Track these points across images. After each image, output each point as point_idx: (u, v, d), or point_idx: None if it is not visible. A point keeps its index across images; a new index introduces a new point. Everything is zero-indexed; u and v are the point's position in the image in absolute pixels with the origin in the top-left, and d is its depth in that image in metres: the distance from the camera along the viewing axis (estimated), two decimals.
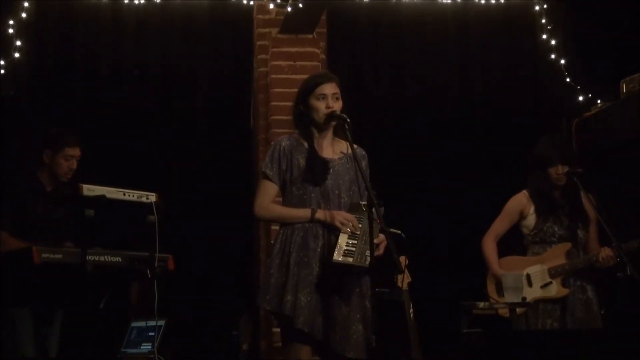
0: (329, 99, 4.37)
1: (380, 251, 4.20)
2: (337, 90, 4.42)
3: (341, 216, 4.26)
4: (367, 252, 4.15)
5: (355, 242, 4.21)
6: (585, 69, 7.01)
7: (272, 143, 4.60)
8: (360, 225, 4.24)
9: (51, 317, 5.25)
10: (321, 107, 4.37)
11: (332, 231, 4.28)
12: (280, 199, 4.49)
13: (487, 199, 6.10)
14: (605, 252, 5.26)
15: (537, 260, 5.43)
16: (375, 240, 4.11)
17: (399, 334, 5.42)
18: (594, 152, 6.43)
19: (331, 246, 4.23)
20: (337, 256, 4.18)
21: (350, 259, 4.18)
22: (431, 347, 5.70)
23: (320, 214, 4.29)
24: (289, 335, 4.31)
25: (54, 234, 5.12)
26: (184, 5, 6.75)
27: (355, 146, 4.34)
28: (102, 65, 6.74)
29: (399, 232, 4.20)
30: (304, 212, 4.32)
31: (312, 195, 4.35)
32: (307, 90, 4.43)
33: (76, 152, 5.33)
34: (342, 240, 4.21)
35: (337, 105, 4.39)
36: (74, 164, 5.32)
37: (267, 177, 4.41)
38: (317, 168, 4.36)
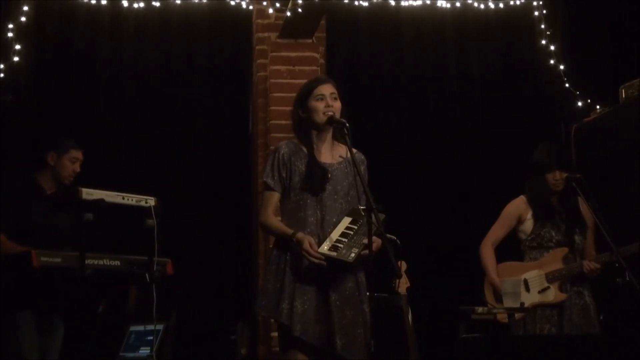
0: (328, 98, 4.38)
1: (372, 250, 4.15)
2: (334, 90, 4.43)
3: (306, 246, 4.22)
4: (355, 249, 4.17)
5: (345, 240, 4.22)
6: (585, 75, 7.02)
7: (272, 149, 4.60)
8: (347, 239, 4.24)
9: (51, 321, 5.25)
10: (320, 107, 4.38)
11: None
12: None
13: (486, 204, 6.10)
14: (590, 266, 5.29)
15: (534, 265, 5.43)
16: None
17: (398, 339, 5.41)
18: (592, 158, 6.43)
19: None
20: (323, 247, 4.20)
21: (335, 253, 4.19)
22: (430, 352, 5.70)
23: (298, 236, 4.26)
24: (287, 341, 4.31)
25: (52, 238, 5.12)
26: (183, 8, 6.75)
27: (354, 150, 4.35)
28: (101, 69, 6.74)
29: (394, 238, 4.21)
30: (286, 233, 4.31)
31: (309, 201, 4.35)
32: (305, 93, 4.44)
33: (80, 155, 5.36)
34: (335, 234, 4.24)
35: (337, 105, 4.40)
36: (77, 167, 5.35)
37: (268, 187, 4.42)
38: (316, 177, 4.36)
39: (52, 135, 5.43)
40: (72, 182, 5.33)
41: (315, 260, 4.20)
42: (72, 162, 5.32)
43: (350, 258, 4.17)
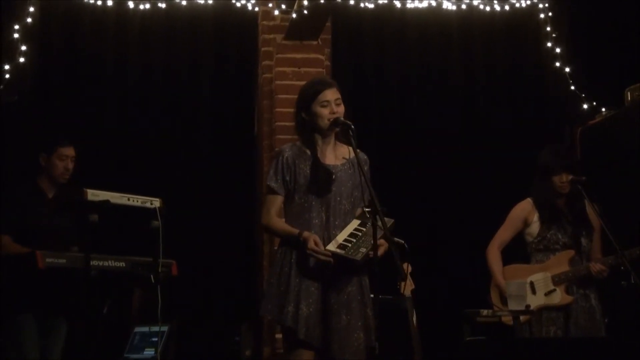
0: (332, 104, 4.37)
1: (379, 253, 4.16)
2: (338, 95, 4.41)
3: (311, 244, 4.22)
4: (362, 249, 4.17)
5: (354, 240, 4.22)
6: (590, 77, 7.02)
7: (276, 150, 4.59)
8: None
9: (54, 322, 5.25)
10: (325, 114, 4.36)
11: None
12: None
13: (492, 206, 6.09)
14: (596, 268, 5.28)
15: (540, 267, 5.42)
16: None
17: (402, 341, 5.41)
18: (598, 160, 6.42)
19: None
20: (331, 246, 4.20)
21: (342, 251, 4.19)
22: (434, 355, 5.69)
23: (305, 235, 4.26)
24: (292, 342, 4.31)
25: (57, 240, 5.12)
26: (189, 10, 6.76)
27: (357, 150, 4.33)
28: (106, 70, 6.75)
29: (402, 242, 4.20)
30: (292, 233, 4.31)
31: (313, 203, 4.34)
32: (309, 97, 4.41)
33: (70, 151, 5.34)
34: (342, 236, 4.23)
35: (341, 110, 4.39)
36: (69, 164, 5.33)
37: (272, 191, 4.41)
38: (321, 179, 4.35)
39: (43, 137, 5.43)
40: (68, 180, 5.32)
41: (322, 257, 4.18)
42: (61, 159, 5.31)
43: (358, 257, 4.17)
